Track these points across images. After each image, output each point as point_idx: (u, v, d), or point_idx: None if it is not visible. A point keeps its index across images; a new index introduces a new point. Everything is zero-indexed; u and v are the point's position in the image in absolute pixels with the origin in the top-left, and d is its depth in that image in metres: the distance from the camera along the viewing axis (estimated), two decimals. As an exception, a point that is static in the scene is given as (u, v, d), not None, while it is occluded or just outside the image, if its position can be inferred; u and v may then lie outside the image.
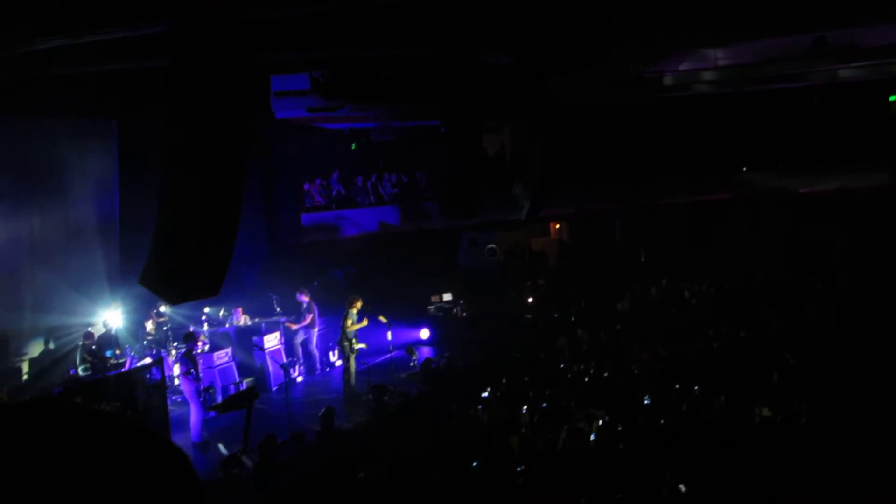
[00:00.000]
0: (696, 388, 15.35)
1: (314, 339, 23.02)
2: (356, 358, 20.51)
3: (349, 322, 20.46)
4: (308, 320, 22.53)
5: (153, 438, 1.42)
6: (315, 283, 24.90)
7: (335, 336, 21.59)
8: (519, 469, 12.19)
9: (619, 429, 13.75)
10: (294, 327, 22.53)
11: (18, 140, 20.12)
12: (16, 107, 18.69)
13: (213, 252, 12.85)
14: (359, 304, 20.67)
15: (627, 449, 12.72)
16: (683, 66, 24.54)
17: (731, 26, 19.16)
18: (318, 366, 23.23)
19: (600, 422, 13.95)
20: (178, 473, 1.40)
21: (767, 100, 31.20)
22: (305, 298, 22.69)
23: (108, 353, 18.93)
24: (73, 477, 1.28)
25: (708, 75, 25.09)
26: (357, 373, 20.66)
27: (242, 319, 22.56)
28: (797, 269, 28.12)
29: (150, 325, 21.20)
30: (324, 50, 17.07)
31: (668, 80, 25.37)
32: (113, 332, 19.89)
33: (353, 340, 20.40)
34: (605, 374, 17.76)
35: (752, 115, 32.03)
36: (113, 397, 14.01)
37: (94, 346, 18.74)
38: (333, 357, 23.46)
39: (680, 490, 10.41)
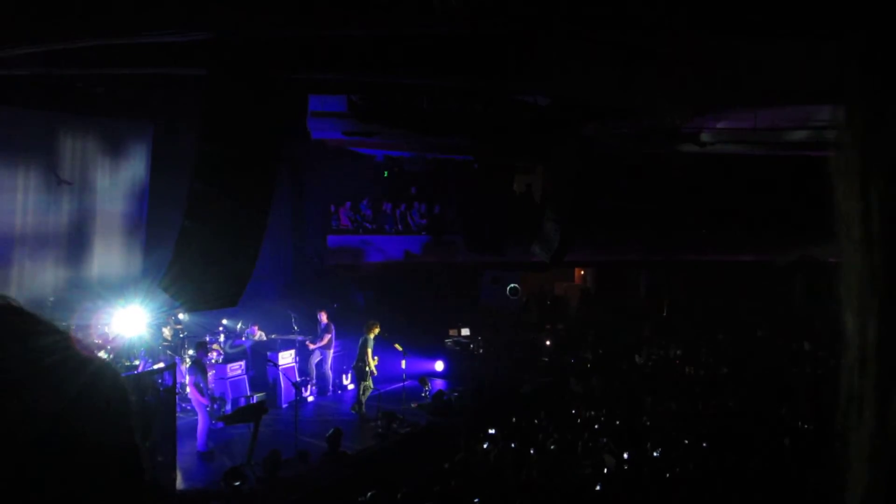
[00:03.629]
0: (704, 444, 15.26)
1: (329, 360, 22.94)
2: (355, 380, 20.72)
3: (368, 350, 20.57)
4: (325, 340, 22.49)
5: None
6: (336, 305, 24.89)
7: (350, 359, 21.56)
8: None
9: (626, 478, 13.67)
10: (312, 346, 22.49)
11: (52, 136, 20.27)
12: (52, 102, 18.83)
13: (234, 264, 12.87)
14: (376, 330, 20.72)
15: (630, 499, 12.64)
16: (721, 124, 24.47)
17: (770, 89, 19.12)
18: (330, 387, 23.14)
19: (605, 470, 13.87)
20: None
21: (805, 165, 31.12)
22: (325, 319, 22.66)
23: (123, 355, 18.95)
24: None
25: (744, 135, 25.01)
26: (368, 398, 20.70)
27: (259, 335, 22.57)
28: (816, 337, 27.87)
29: (167, 331, 21.21)
30: (360, 74, 17.11)
31: (704, 136, 25.31)
32: (129, 334, 19.89)
33: (371, 364, 20.48)
34: (617, 423, 17.66)
35: (785, 178, 31.87)
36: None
37: (108, 347, 18.76)
38: (346, 380, 23.42)
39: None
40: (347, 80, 19.17)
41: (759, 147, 25.88)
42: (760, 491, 13.13)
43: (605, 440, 15.64)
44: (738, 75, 17.11)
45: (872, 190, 1.01)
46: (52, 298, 20.56)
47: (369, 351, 20.58)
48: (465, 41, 14.55)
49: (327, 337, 22.56)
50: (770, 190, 32.09)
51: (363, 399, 20.53)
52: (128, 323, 20.17)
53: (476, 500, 12.55)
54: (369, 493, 13.04)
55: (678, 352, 26.71)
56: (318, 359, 22.69)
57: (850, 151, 1.12)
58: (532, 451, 15.15)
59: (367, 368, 20.43)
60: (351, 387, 22.93)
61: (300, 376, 22.07)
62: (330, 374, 23.14)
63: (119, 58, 13.84)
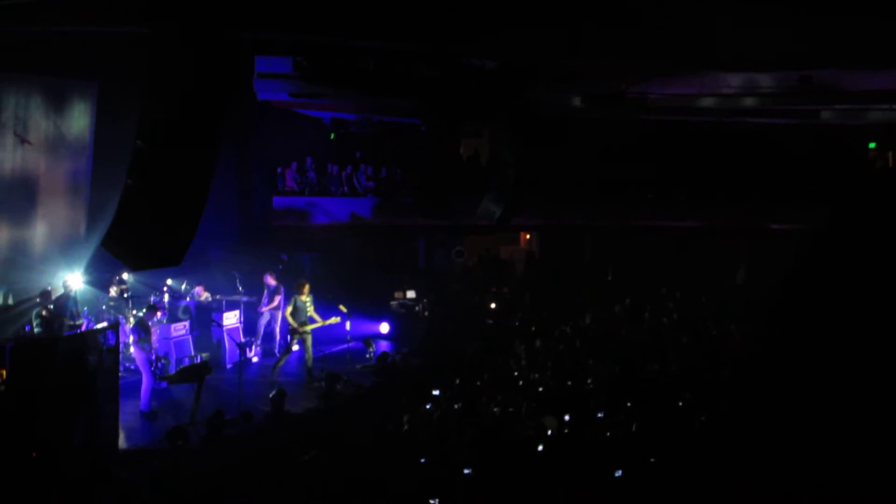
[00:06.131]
0: (645, 406, 15.41)
1: (278, 321, 22.87)
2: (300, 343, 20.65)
3: (290, 308, 20.49)
4: (275, 302, 22.41)
5: None
6: (280, 266, 24.86)
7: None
8: (467, 472, 12.20)
9: (568, 440, 13.81)
10: (263, 310, 22.42)
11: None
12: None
13: (178, 222, 12.87)
14: (306, 290, 20.64)
15: (573, 460, 12.77)
16: (668, 90, 24.60)
17: (718, 56, 19.22)
18: (277, 349, 23.09)
19: (549, 431, 13.99)
20: None
21: (749, 133, 31.28)
22: (272, 281, 22.58)
23: (66, 314, 18.85)
24: None
25: (691, 102, 25.15)
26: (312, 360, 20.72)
27: (204, 295, 22.51)
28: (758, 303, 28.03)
29: (113, 291, 21.13)
30: (306, 34, 17.05)
31: (650, 101, 25.43)
32: (72, 293, 19.78)
33: (298, 325, 20.40)
34: (562, 385, 17.76)
35: (731, 146, 32.03)
36: (63, 357, 13.91)
37: (51, 306, 18.65)
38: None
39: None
40: (293, 41, 19.11)
41: (704, 114, 26.08)
42: (701, 452, 13.33)
43: (549, 402, 15.76)
44: (685, 40, 17.23)
45: None
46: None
47: (288, 310, 20.54)
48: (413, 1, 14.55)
49: (277, 298, 22.50)
50: (715, 156, 32.29)
51: (280, 362, 20.56)
52: (71, 282, 20.07)
53: (423, 460, 12.65)
54: (313, 452, 13.10)
55: (622, 316, 26.85)
56: (266, 319, 22.64)
57: None
58: (475, 413, 15.24)
59: (291, 327, 20.44)
60: (296, 347, 22.91)
61: (245, 337, 22.07)
62: (278, 334, 23.11)
63: (61, 13, 13.73)
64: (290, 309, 20.52)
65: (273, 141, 28.29)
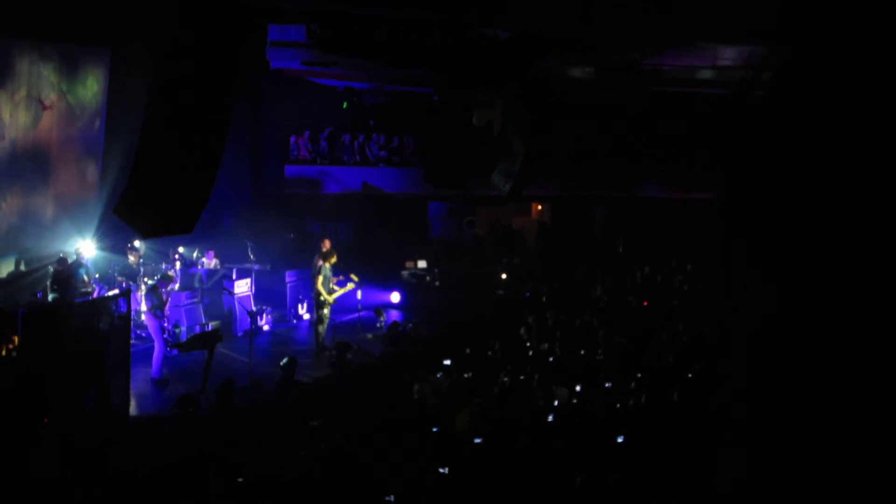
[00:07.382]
0: (652, 379, 15.39)
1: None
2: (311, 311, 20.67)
3: (320, 278, 20.43)
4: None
5: None
6: (291, 234, 24.91)
7: (307, 288, 21.57)
8: (477, 441, 12.21)
9: (577, 410, 13.81)
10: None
11: (9, 60, 20.08)
12: (8, 27, 18.64)
13: (190, 190, 12.85)
14: (332, 260, 20.61)
15: (580, 430, 12.77)
16: (682, 62, 24.48)
17: (730, 26, 19.13)
18: (290, 317, 23.18)
19: (556, 402, 14.00)
20: None
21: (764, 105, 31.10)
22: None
23: (77, 281, 18.92)
24: None
25: (705, 73, 25.03)
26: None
27: (214, 263, 22.55)
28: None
29: (132, 258, 21.17)
30: (319, 1, 16.99)
31: (664, 73, 25.31)
32: (84, 260, 19.84)
33: (324, 293, 20.36)
34: (570, 356, 17.73)
35: (744, 119, 31.84)
36: (75, 324, 13.97)
37: (65, 273, 18.71)
38: (302, 309, 23.43)
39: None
40: (306, 8, 19.05)
41: (717, 87, 25.96)
42: (711, 424, 13.31)
43: (559, 373, 15.74)
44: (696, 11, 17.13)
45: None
46: (5, 223, 20.50)
47: (319, 279, 20.47)
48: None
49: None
50: (729, 129, 32.06)
51: (320, 330, 20.46)
52: (83, 249, 20.15)
53: (434, 430, 12.67)
54: (322, 419, 13.14)
55: (633, 287, 26.84)
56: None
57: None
58: (485, 382, 15.25)
59: (322, 298, 20.37)
60: (307, 316, 22.95)
61: (257, 305, 22.13)
62: (306, 305, 23.28)
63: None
64: (320, 279, 20.47)
65: (285, 109, 28.32)
